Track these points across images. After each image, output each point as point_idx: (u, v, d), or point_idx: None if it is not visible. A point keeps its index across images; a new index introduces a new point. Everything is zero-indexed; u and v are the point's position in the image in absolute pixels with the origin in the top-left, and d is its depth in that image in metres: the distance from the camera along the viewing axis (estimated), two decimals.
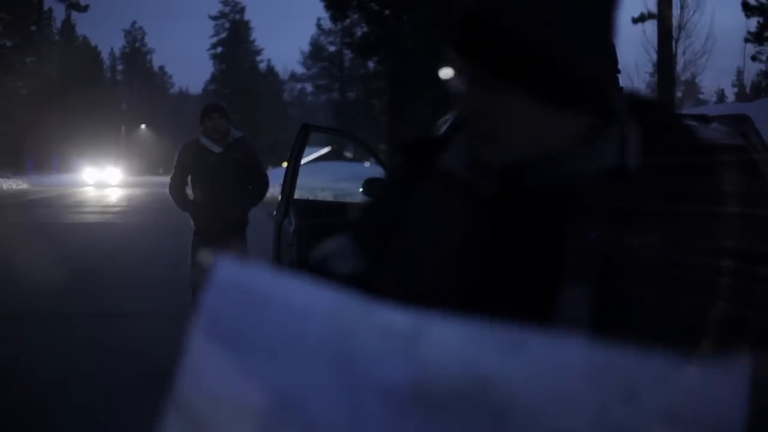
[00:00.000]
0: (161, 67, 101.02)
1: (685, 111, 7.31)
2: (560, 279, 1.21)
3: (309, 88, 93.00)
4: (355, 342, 1.08)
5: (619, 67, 1.49)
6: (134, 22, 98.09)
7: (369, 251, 1.39)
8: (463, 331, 1.06)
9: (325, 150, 67.27)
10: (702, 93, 49.59)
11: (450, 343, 1.07)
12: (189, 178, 7.00)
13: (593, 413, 1.03)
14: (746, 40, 32.21)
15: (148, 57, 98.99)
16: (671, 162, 1.24)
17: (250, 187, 7.05)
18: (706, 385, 1.01)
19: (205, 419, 1.08)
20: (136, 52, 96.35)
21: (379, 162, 8.39)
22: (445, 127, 5.24)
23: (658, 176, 1.22)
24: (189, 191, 7.08)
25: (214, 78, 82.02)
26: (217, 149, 6.88)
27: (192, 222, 6.99)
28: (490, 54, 1.18)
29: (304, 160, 7.75)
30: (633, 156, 1.24)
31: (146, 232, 19.01)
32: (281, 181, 7.63)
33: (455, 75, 1.25)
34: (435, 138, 1.43)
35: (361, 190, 6.80)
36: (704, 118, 5.54)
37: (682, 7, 30.16)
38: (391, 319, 1.09)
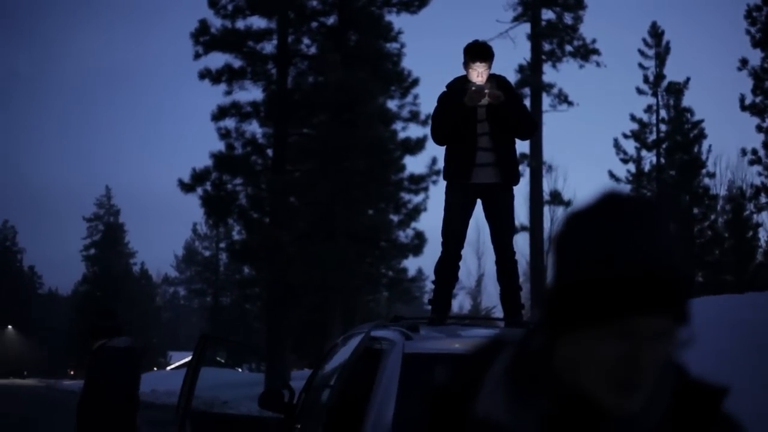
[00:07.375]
0: (31, 267, 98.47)
1: None
2: None
3: (182, 291, 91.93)
4: None
5: None
6: (6, 221, 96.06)
7: None
8: None
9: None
10: None
11: None
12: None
13: None
14: None
15: (19, 256, 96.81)
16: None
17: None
18: None
19: None
20: (5, 251, 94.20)
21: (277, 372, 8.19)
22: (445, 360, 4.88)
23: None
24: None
25: (85, 279, 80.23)
26: (125, 344, 6.95)
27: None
28: (677, 301, 1.25)
29: (176, 364, 7.59)
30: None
31: None
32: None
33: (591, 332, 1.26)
34: (463, 384, 1.39)
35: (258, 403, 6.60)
36: None
37: (553, 221, 31.62)
38: None
